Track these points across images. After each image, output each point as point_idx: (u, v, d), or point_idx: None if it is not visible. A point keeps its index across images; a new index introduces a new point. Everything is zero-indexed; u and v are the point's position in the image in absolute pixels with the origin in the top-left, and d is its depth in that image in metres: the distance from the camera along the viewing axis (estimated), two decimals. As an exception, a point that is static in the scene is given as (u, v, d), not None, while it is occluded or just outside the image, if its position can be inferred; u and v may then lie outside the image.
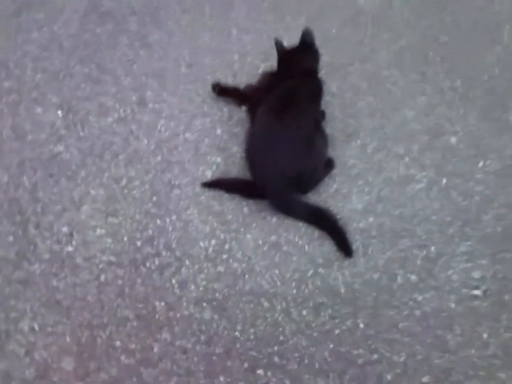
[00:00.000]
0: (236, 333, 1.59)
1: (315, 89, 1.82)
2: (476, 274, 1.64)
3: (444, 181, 1.81)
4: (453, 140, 1.90)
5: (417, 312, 1.59)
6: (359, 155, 1.88)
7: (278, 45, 1.85)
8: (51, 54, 2.18)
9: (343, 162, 1.86)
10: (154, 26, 2.25)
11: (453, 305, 1.59)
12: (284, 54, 1.85)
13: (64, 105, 2.03)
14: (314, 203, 1.78)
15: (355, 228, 1.73)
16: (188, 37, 2.20)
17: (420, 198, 1.78)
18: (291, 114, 1.67)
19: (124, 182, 1.84)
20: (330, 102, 2.00)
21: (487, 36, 2.18)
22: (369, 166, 1.85)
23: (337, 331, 1.56)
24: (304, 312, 1.60)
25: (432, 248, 1.69)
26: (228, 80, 2.07)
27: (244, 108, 1.99)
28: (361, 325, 1.57)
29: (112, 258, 1.70)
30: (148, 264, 1.69)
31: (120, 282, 1.66)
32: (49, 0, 2.37)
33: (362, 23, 2.25)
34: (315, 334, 1.56)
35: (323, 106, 1.90)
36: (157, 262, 1.69)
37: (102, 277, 1.67)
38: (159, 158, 1.88)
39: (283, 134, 1.64)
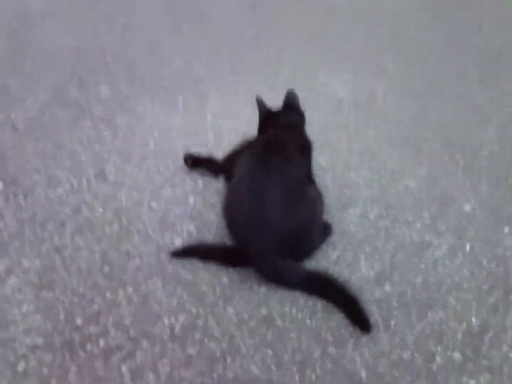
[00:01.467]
0: None
1: (303, 142, 1.56)
2: (540, 351, 1.19)
3: (467, 247, 1.46)
4: (467, 207, 1.63)
5: (474, 402, 1.09)
6: (360, 222, 1.57)
7: (260, 104, 1.62)
8: (1, 135, 1.91)
9: (342, 229, 1.54)
10: (122, 111, 2.06)
11: (521, 392, 1.11)
12: (268, 114, 1.61)
13: (7, 178, 1.67)
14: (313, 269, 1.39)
15: (370, 299, 1.33)
16: (158, 121, 2.01)
17: (444, 265, 1.43)
18: (278, 160, 1.38)
19: (68, 251, 1.44)
20: (321, 176, 1.72)
21: (478, 117, 2.14)
22: (375, 232, 1.53)
23: (364, 433, 1.03)
24: (314, 407, 1.08)
25: (473, 320, 1.27)
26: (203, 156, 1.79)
27: (222, 178, 1.68)
28: (398, 423, 1.05)
29: (39, 340, 1.21)
30: (89, 347, 1.19)
31: (45, 371, 1.14)
32: (12, 89, 2.21)
33: (345, 111, 2.14)
34: None
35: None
36: (102, 344, 1.20)
37: (20, 367, 1.15)
38: (115, 227, 1.51)
39: (271, 182, 1.32)
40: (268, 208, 1.29)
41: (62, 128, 1.95)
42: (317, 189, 1.55)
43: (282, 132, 1.53)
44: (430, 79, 2.38)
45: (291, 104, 1.65)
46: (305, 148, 1.57)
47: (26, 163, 1.77)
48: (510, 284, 1.39)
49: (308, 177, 1.52)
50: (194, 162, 1.74)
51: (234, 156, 1.65)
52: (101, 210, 1.57)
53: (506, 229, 1.56)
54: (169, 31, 2.73)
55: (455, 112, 2.13)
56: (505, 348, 1.23)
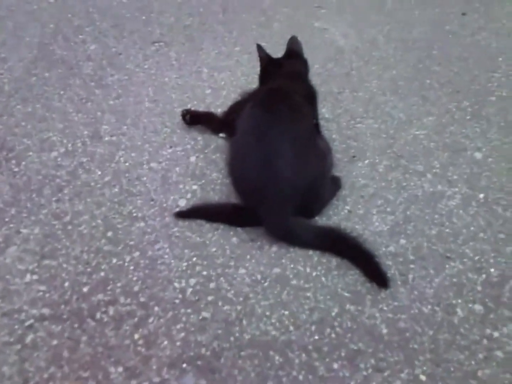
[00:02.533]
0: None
1: (308, 90, 1.47)
2: (561, 298, 1.15)
3: (481, 196, 1.41)
4: (478, 155, 1.57)
5: (499, 354, 1.08)
6: (370, 175, 1.51)
7: (261, 51, 1.52)
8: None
9: (351, 182, 1.48)
10: (112, 69, 1.95)
11: (545, 341, 1.08)
12: (270, 61, 1.51)
13: (-4, 143, 1.57)
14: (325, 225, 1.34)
15: (385, 253, 1.28)
16: (151, 77, 1.91)
17: (459, 216, 1.37)
18: (285, 110, 1.30)
19: (68, 218, 1.36)
20: (325, 127, 1.64)
21: (481, 65, 2.04)
22: (386, 185, 1.47)
23: (389, 389, 1.00)
24: (336, 366, 1.06)
25: (492, 270, 1.23)
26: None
27: (222, 135, 1.59)
28: (423, 377, 1.04)
29: (45, 311, 1.15)
30: (98, 316, 1.14)
31: (55, 343, 1.09)
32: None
33: (346, 59, 2.05)
34: (357, 397, 1.00)
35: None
36: (112, 312, 1.14)
37: (28, 339, 1.09)
38: (116, 189, 1.44)
39: (279, 134, 1.25)
40: (278, 162, 1.22)
41: (50, 88, 1.83)
42: (325, 140, 1.48)
43: (286, 80, 1.45)
44: (432, 26, 2.26)
45: (294, 51, 1.56)
46: (310, 96, 1.48)
47: (15, 127, 1.67)
48: (527, 232, 1.33)
49: (315, 128, 1.44)
50: (193, 118, 1.66)
51: (235, 110, 1.57)
52: (99, 172, 1.50)
53: (520, 176, 1.50)
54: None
55: (460, 59, 2.05)
56: (526, 297, 1.18)
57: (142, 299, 1.18)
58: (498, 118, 1.73)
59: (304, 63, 1.57)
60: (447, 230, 1.34)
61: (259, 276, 1.23)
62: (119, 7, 2.35)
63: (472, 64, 2.01)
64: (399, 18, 2.33)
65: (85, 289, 1.20)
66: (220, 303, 1.17)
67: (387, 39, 2.16)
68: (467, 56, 2.06)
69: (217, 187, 1.46)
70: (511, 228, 1.35)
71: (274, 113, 1.27)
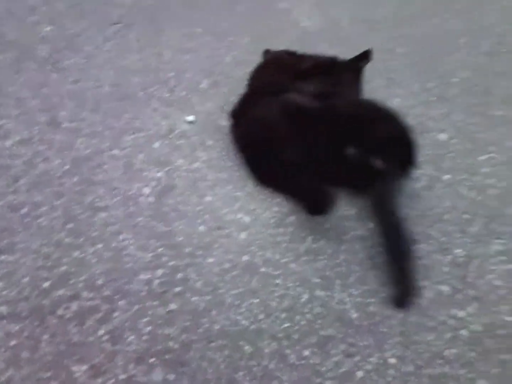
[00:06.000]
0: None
1: None
2: (525, 276, 1.18)
3: (446, 177, 1.41)
4: (443, 136, 1.57)
5: (464, 333, 1.09)
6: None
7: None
8: None
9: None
10: (69, 52, 1.86)
11: (508, 318, 1.10)
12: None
13: None
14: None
15: (353, 237, 1.27)
16: (111, 60, 1.82)
17: (425, 197, 1.38)
18: None
19: (25, 210, 1.30)
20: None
21: (445, 47, 2.03)
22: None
23: (359, 374, 1.02)
24: (306, 353, 1.04)
25: (458, 251, 1.23)
26: (164, 95, 1.64)
27: (191, 119, 1.55)
28: (392, 360, 1.04)
29: (3, 309, 1.11)
30: (60, 312, 1.10)
31: (13, 343, 1.03)
32: None
33: (311, 40, 1.99)
34: (328, 383, 0.98)
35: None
36: (74, 307, 1.10)
37: (-15, 339, 1.03)
38: (76, 179, 1.37)
39: None
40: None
41: (4, 73, 1.73)
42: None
43: None
44: (396, 6, 2.25)
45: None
46: None
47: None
48: (491, 212, 1.36)
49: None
50: None
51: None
52: (58, 161, 1.44)
53: (483, 157, 1.52)
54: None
55: (423, 40, 2.04)
56: (490, 276, 1.21)
57: (106, 293, 1.14)
58: (461, 99, 1.73)
59: None
60: (414, 212, 1.34)
61: (228, 265, 1.20)
62: (74, -13, 2.24)
63: (436, 46, 2.01)
64: (363, 0, 2.31)
65: (45, 285, 1.15)
66: (188, 294, 1.14)
67: (351, 20, 2.14)
68: (431, 37, 2.05)
69: (183, 174, 1.41)
70: (475, 208, 1.36)
71: None
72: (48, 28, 1.99)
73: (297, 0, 2.26)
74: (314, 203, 1.27)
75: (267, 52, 1.66)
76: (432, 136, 1.59)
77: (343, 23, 2.12)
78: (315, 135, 1.28)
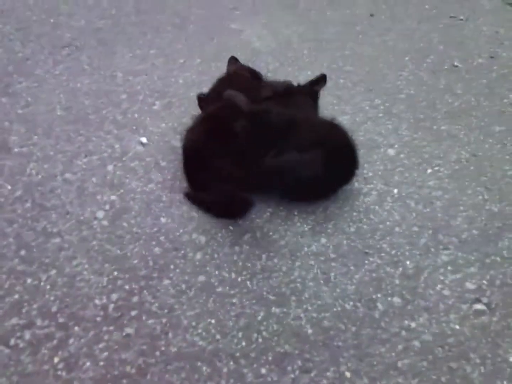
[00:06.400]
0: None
1: None
2: (471, 285, 1.26)
3: (395, 191, 1.47)
4: (391, 151, 1.63)
5: (416, 343, 1.13)
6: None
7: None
8: None
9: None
10: (19, 76, 1.83)
11: (457, 327, 1.16)
12: None
13: None
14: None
15: (307, 253, 1.30)
16: (62, 83, 1.82)
17: (375, 212, 1.43)
18: None
19: (-25, 238, 1.25)
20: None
21: (390, 65, 2.13)
22: (306, 186, 1.47)
23: (316, 388, 1.02)
24: (263, 371, 1.07)
25: (408, 263, 1.29)
26: (117, 118, 1.65)
27: (143, 140, 1.56)
28: (348, 374, 1.07)
29: (-48, 343, 1.05)
30: (13, 342, 1.08)
31: (-37, 376, 1.00)
32: None
33: (262, 61, 2.05)
34: (286, 399, 1.01)
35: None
36: (28, 336, 1.09)
37: None
38: (28, 204, 1.36)
39: None
40: None
41: None
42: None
43: None
44: (343, 27, 2.34)
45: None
46: None
47: None
48: (438, 223, 1.42)
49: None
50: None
51: None
52: (9, 187, 1.41)
53: (429, 170, 1.59)
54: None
55: (371, 59, 2.12)
56: (439, 286, 1.26)
57: (61, 320, 1.13)
58: (408, 115, 1.81)
59: None
60: (365, 226, 1.39)
61: (184, 286, 1.21)
62: (24, 9, 2.22)
63: (382, 63, 2.09)
64: (312, 19, 2.38)
65: (-3, 314, 1.12)
66: (144, 317, 1.14)
67: (301, 40, 2.20)
68: (376, 55, 2.14)
69: (137, 196, 1.41)
70: (423, 220, 1.41)
71: None
72: (-3, 52, 1.95)
73: (248, 20, 2.30)
74: (229, 207, 1.35)
75: (232, 61, 1.68)
76: (382, 151, 1.64)
77: (293, 42, 2.17)
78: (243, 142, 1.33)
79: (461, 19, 2.47)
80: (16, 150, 1.53)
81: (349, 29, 2.32)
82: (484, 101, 1.89)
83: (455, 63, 2.13)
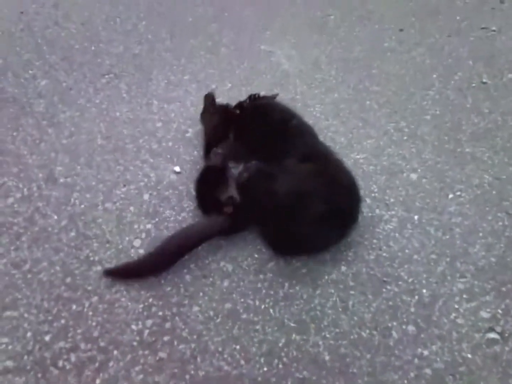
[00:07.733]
0: None
1: None
2: (485, 314, 1.32)
3: (416, 217, 1.53)
4: (413, 176, 1.68)
5: (428, 371, 1.20)
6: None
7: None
8: None
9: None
10: (63, 105, 1.99)
11: (469, 355, 1.22)
12: None
13: None
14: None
15: (327, 281, 1.38)
16: (102, 112, 1.95)
17: (395, 239, 1.49)
18: None
19: (27, 266, 1.42)
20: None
21: (417, 83, 2.16)
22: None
23: (331, 414, 1.12)
24: (283, 395, 1.15)
25: (424, 291, 1.35)
26: (153, 147, 1.77)
27: (177, 169, 1.69)
28: (361, 400, 1.13)
29: (9, 364, 1.22)
30: (60, 364, 1.22)
31: (19, 395, 1.15)
32: None
33: (290, 83, 2.12)
34: (302, 423, 1.10)
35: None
36: (73, 358, 1.23)
37: (-8, 394, 1.15)
38: (72, 234, 1.50)
39: None
40: None
41: (3, 130, 1.86)
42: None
43: None
44: (371, 44, 2.38)
45: None
46: None
47: (-31, 174, 1.70)
48: (456, 250, 1.47)
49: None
50: None
51: None
52: (55, 217, 1.56)
53: (451, 195, 1.63)
54: (104, 11, 2.61)
55: (397, 77, 2.17)
56: (453, 314, 1.32)
57: (101, 344, 1.25)
58: (432, 137, 1.85)
59: None
60: (384, 254, 1.46)
61: (211, 313, 1.32)
62: (67, 38, 2.38)
63: (409, 82, 2.13)
64: (340, 37, 2.43)
65: (47, 338, 1.27)
66: (175, 343, 1.26)
67: (329, 60, 2.26)
68: (404, 73, 2.18)
69: (170, 225, 1.53)
70: (441, 248, 1.47)
71: None
72: (44, 82, 2.12)
73: (278, 40, 2.38)
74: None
75: (208, 98, 1.84)
76: (404, 176, 1.70)
77: (321, 63, 2.24)
78: None
79: (494, 30, 2.45)
80: (61, 180, 1.67)
81: (377, 45, 2.36)
82: (511, 121, 1.90)
83: (484, 80, 2.13)
